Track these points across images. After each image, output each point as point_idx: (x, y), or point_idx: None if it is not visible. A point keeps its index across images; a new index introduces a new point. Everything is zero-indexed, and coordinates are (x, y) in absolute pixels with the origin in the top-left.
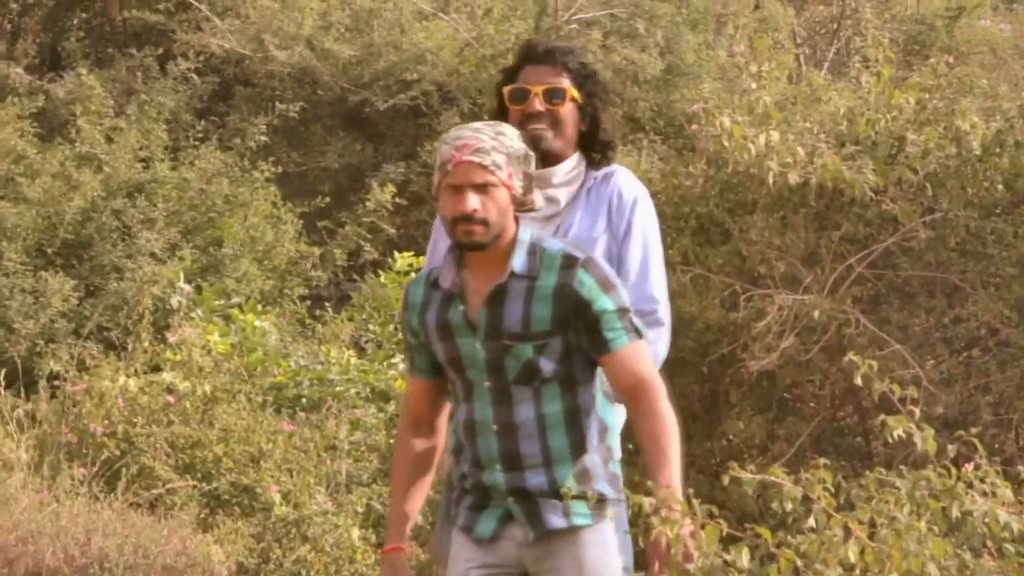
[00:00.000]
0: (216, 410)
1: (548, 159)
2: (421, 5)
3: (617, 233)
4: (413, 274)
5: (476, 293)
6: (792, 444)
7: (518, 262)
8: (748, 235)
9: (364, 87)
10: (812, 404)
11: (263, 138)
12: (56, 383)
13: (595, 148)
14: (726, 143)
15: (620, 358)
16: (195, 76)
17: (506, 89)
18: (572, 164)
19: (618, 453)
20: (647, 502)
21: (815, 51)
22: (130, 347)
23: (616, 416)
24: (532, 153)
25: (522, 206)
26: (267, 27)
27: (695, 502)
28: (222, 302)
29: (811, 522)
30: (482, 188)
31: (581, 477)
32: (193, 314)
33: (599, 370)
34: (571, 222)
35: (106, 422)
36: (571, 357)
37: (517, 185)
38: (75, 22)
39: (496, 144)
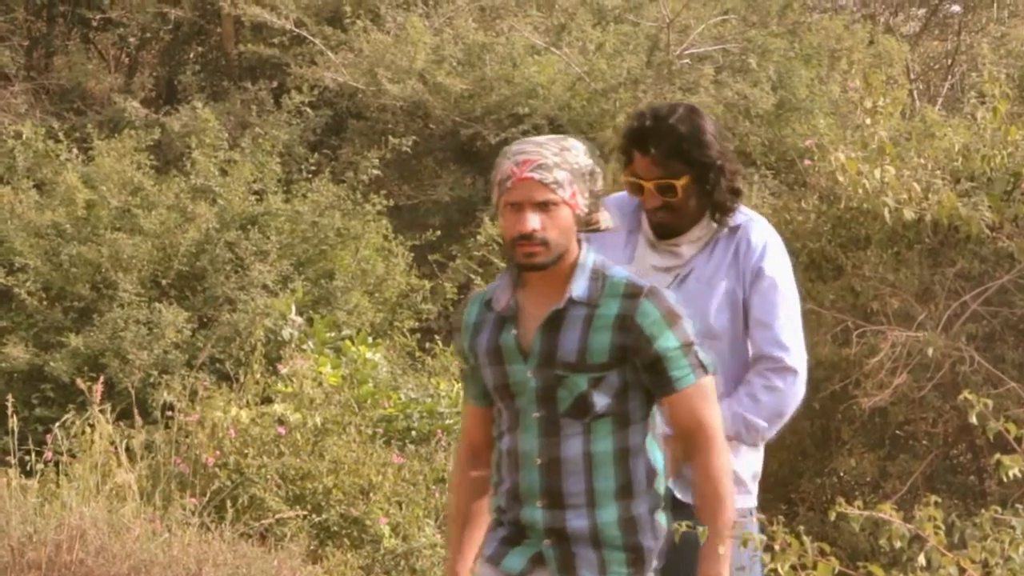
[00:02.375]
0: (326, 442)
1: (669, 234)
2: (533, 40)
3: (744, 279)
4: None
5: (532, 317)
6: (904, 482)
7: (578, 287)
8: (861, 271)
9: (476, 121)
10: (925, 442)
11: (375, 171)
12: (169, 414)
13: (715, 207)
14: (840, 178)
15: (684, 398)
16: (308, 109)
17: (623, 179)
18: (702, 227)
19: (663, 500)
20: (758, 538)
21: (929, 86)
22: (242, 378)
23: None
24: (599, 170)
25: (587, 225)
26: (380, 61)
27: (806, 539)
28: (333, 334)
29: (922, 560)
30: (543, 207)
31: (626, 526)
32: (304, 346)
33: (654, 409)
34: (690, 269)
35: (218, 453)
36: (627, 393)
37: (582, 203)
38: (191, 56)
39: (559, 160)
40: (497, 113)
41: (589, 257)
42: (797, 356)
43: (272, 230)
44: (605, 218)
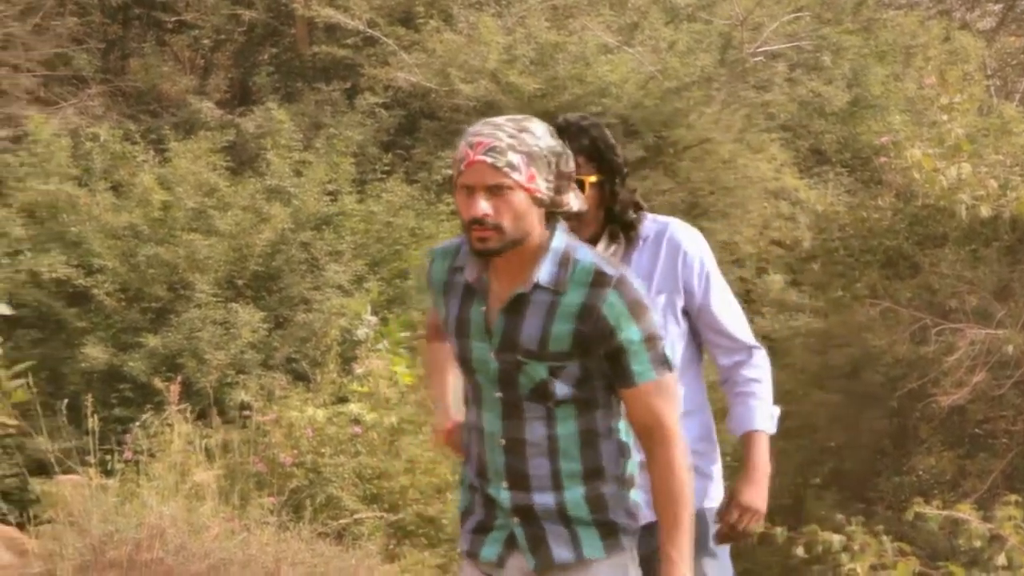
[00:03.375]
0: (402, 441)
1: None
2: (605, 38)
3: (695, 290)
4: None
5: (497, 297)
6: (984, 480)
7: (544, 273)
8: (938, 268)
9: (548, 120)
10: (1004, 440)
11: (448, 171)
12: (246, 413)
13: (613, 220)
14: (915, 175)
15: (642, 393)
16: (382, 110)
17: None
18: (604, 244)
19: (638, 480)
20: (837, 539)
21: (1006, 82)
22: (317, 378)
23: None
24: (566, 152)
25: (555, 207)
26: (453, 61)
27: (885, 539)
28: (407, 334)
29: (1002, 560)
30: (495, 191)
31: (594, 503)
32: (379, 346)
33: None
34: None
35: (295, 452)
36: (591, 382)
37: (542, 187)
38: (265, 57)
39: (514, 143)
40: (569, 112)
41: (560, 241)
42: (751, 337)
43: (346, 230)
44: (573, 200)
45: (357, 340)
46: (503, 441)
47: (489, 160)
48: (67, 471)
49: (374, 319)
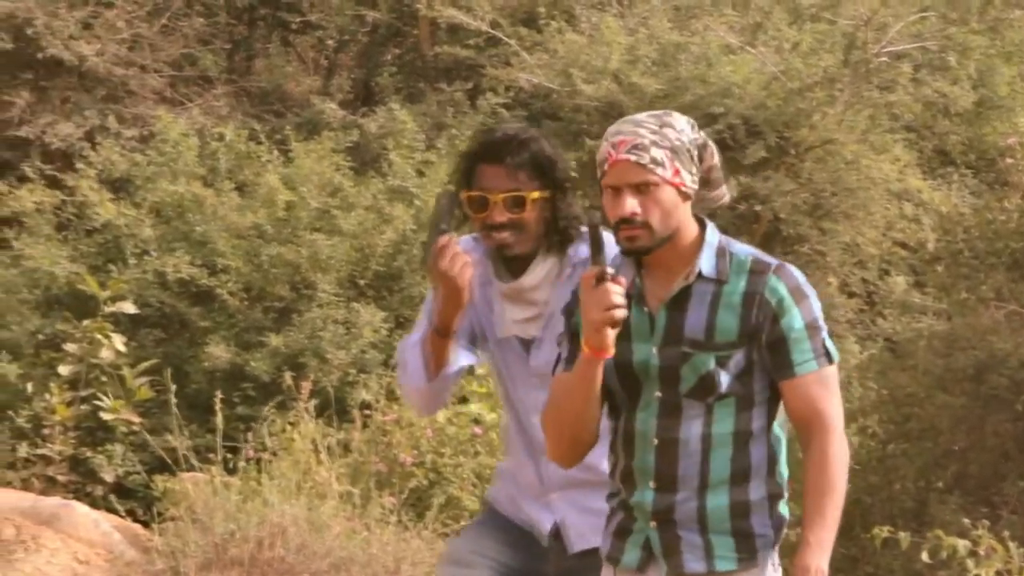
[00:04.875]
0: None
1: (517, 263)
2: (728, 39)
3: None
4: None
5: (654, 296)
6: None
7: (707, 264)
8: None
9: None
10: None
11: (574, 173)
12: (367, 412)
13: (554, 235)
14: None
15: (803, 385)
16: (503, 110)
17: (465, 196)
18: (541, 262)
19: (785, 490)
20: (962, 544)
21: None
22: None
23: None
24: (710, 144)
25: (710, 203)
26: (575, 61)
27: (1011, 545)
28: None
29: None
30: (642, 188)
31: (736, 511)
32: None
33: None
34: (551, 311)
35: (415, 452)
36: (752, 374)
37: (687, 180)
38: (388, 58)
39: (657, 138)
40: (691, 113)
41: (714, 236)
42: None
43: (467, 230)
44: (725, 191)
45: None
46: (656, 441)
47: (633, 158)
48: (190, 469)
49: None
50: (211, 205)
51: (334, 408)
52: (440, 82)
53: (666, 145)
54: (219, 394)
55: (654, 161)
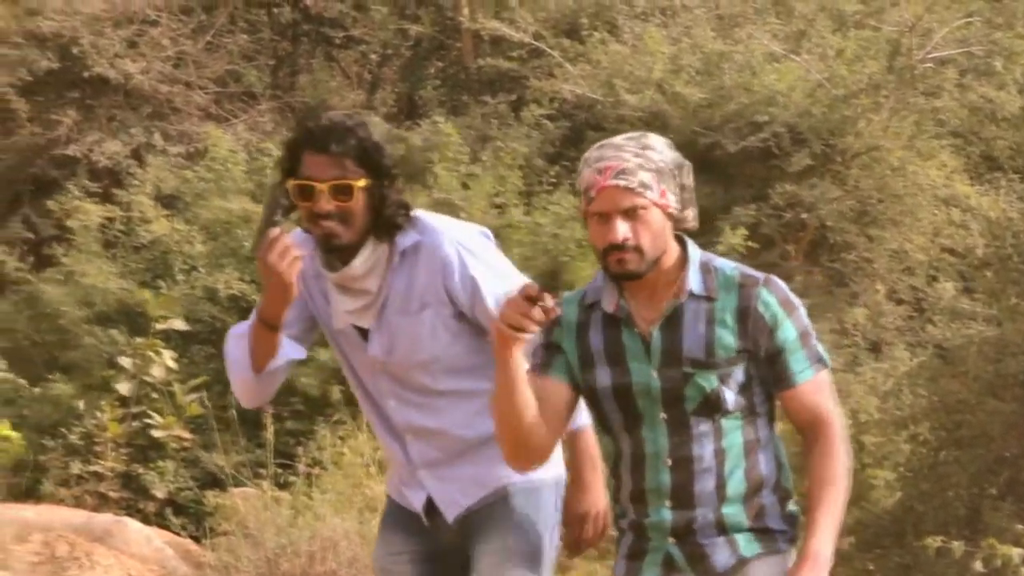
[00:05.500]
0: None
1: (343, 253)
2: (772, 47)
3: (460, 298)
4: None
5: (644, 319)
6: None
7: (695, 281)
8: None
9: (714, 130)
10: None
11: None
12: None
13: (380, 223)
14: None
15: (803, 393)
16: (547, 122)
17: (290, 184)
18: (369, 250)
19: (792, 493)
20: (1016, 552)
21: None
22: None
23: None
24: (687, 164)
25: (680, 223)
26: (618, 72)
27: None
28: None
29: None
30: (631, 213)
31: (752, 513)
32: None
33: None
34: (383, 300)
35: None
36: (751, 387)
37: (672, 201)
38: (431, 71)
39: (642, 161)
40: (736, 121)
41: (696, 252)
42: None
43: (513, 243)
44: (692, 214)
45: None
46: (669, 461)
47: (622, 183)
48: (241, 484)
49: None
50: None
51: None
52: (484, 94)
53: (651, 167)
54: (269, 409)
55: (642, 184)
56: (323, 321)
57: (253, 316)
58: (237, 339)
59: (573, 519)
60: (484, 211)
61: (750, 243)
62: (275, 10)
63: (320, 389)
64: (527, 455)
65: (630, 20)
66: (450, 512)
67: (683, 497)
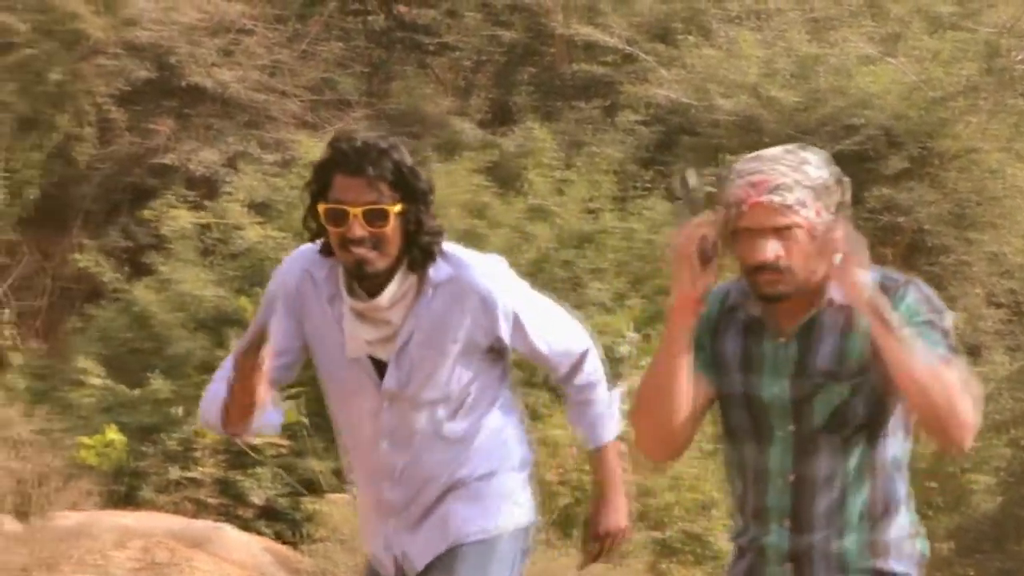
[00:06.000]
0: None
1: (373, 280)
2: (867, 49)
3: (503, 335)
4: None
5: (780, 328)
6: None
7: (834, 289)
8: None
9: (809, 133)
10: None
11: (708, 187)
12: None
13: (415, 252)
14: None
15: None
16: (641, 126)
17: (321, 208)
18: (399, 281)
19: (920, 527)
20: None
21: None
22: None
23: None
24: (845, 178)
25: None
26: (712, 76)
27: None
28: None
29: None
30: (783, 231)
31: (874, 550)
32: (642, 363)
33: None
34: (409, 334)
35: (560, 470)
36: (884, 401)
37: (827, 220)
38: (524, 77)
39: (800, 177)
40: (830, 125)
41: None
42: (578, 344)
43: (608, 248)
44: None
45: (619, 358)
46: (792, 478)
47: (777, 200)
48: (336, 490)
49: (636, 336)
50: None
51: None
52: (576, 100)
53: (808, 184)
54: None
55: (799, 202)
56: (323, 347)
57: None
58: (217, 379)
59: (595, 536)
60: (578, 216)
61: None
62: (369, 18)
63: None
64: (667, 446)
65: (723, 24)
66: (421, 563)
67: (802, 518)
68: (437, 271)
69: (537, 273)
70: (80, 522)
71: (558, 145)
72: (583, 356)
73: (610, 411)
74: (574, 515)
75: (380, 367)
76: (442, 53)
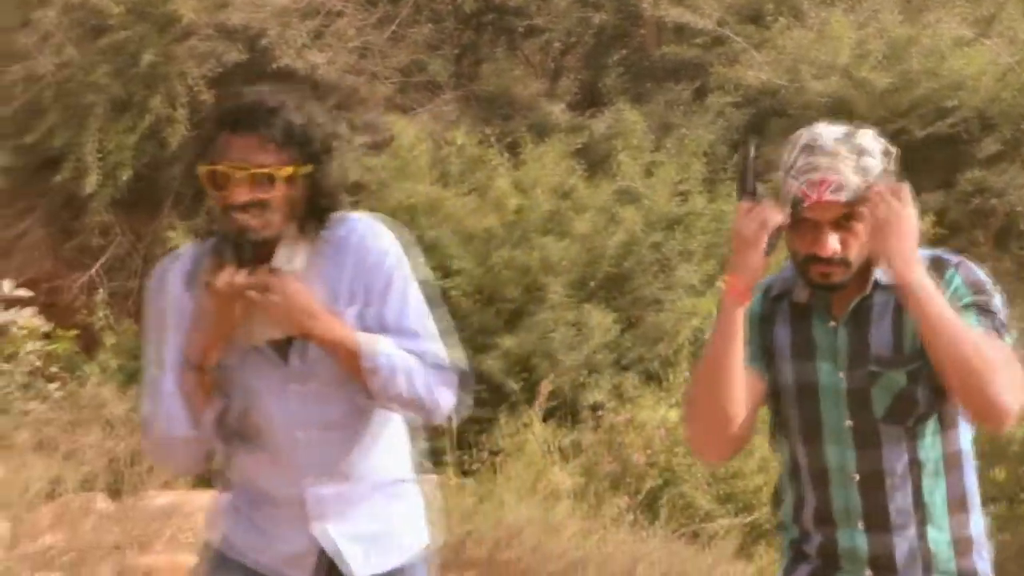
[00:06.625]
0: (754, 440)
1: (258, 249)
2: (960, 31)
3: (372, 293)
4: None
5: (832, 312)
6: None
7: (882, 272)
8: None
9: (901, 115)
10: None
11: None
12: (598, 413)
13: (308, 216)
14: None
15: None
16: (731, 108)
17: (203, 170)
18: (288, 249)
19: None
20: None
21: None
22: (669, 378)
23: None
24: (892, 150)
25: None
26: (803, 58)
27: None
28: None
29: None
30: (843, 223)
31: (960, 548)
32: None
33: None
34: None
35: (648, 452)
36: (944, 389)
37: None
38: (614, 59)
39: (860, 174)
40: (923, 107)
41: None
42: (438, 349)
43: (697, 230)
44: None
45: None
46: (857, 476)
47: (838, 199)
48: (425, 471)
49: None
50: (446, 208)
51: (567, 409)
52: (666, 82)
53: (869, 176)
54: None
55: (859, 198)
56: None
57: (167, 371)
58: (168, 397)
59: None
60: (667, 199)
61: (938, 229)
62: (459, 0)
63: (503, 377)
64: (723, 444)
65: (815, 6)
66: (363, 571)
67: (877, 517)
68: (332, 233)
69: (626, 255)
70: (172, 501)
71: (647, 127)
72: (423, 354)
73: (386, 358)
74: (661, 497)
75: (286, 350)
76: (532, 35)
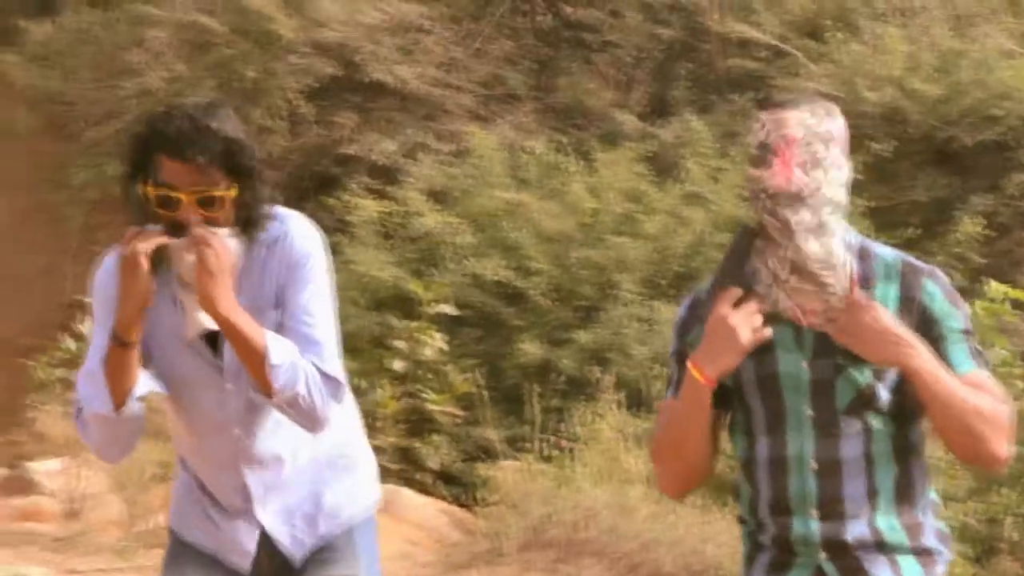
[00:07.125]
0: None
1: None
2: (1007, 45)
3: (285, 294)
4: (1007, 303)
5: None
6: None
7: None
8: None
9: (951, 124)
10: None
11: (855, 175)
12: None
13: (247, 223)
14: None
15: (965, 383)
16: None
17: (151, 192)
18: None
19: (939, 507)
20: None
21: None
22: None
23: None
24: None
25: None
26: (858, 70)
27: None
28: None
29: None
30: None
31: (910, 531)
32: None
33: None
34: (254, 297)
35: None
36: (905, 386)
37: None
38: (681, 72)
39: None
40: (972, 116)
41: (854, 235)
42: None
43: None
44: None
45: None
46: (815, 464)
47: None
48: (507, 457)
49: None
50: (526, 212)
51: (640, 399)
52: (731, 93)
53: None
54: (535, 387)
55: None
56: (157, 339)
57: (96, 352)
58: (89, 375)
59: None
60: (733, 203)
61: (986, 231)
62: (537, 18)
63: (579, 369)
64: (689, 484)
65: (870, 21)
66: (297, 552)
67: (832, 505)
68: (268, 232)
69: (693, 255)
70: None
71: (713, 136)
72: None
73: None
74: (728, 481)
75: (217, 343)
76: (605, 50)
